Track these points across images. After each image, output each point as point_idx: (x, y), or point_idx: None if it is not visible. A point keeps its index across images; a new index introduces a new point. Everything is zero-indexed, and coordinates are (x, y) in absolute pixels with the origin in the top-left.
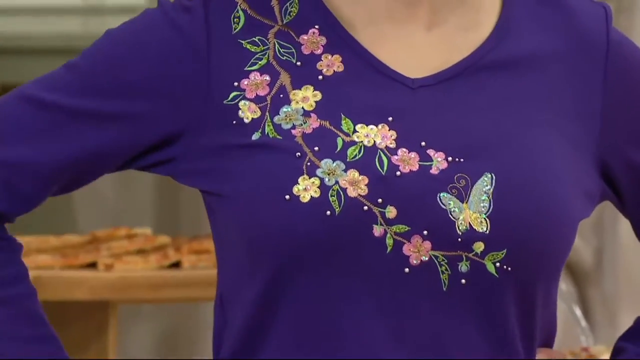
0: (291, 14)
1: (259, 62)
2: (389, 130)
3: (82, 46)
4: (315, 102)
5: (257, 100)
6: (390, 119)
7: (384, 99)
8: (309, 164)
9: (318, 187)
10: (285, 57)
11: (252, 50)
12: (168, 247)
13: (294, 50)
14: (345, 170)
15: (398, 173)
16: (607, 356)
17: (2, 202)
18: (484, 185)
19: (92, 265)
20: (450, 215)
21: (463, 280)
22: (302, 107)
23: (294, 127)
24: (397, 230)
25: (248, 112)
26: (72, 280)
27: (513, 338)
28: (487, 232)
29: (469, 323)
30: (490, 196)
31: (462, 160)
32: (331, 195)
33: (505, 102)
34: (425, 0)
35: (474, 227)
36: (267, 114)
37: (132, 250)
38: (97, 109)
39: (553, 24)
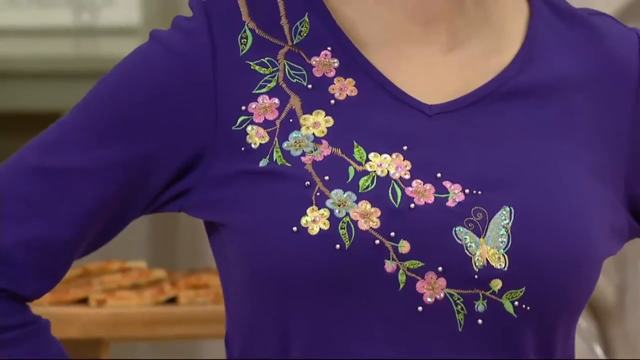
0: (302, 33)
1: (268, 85)
2: (404, 160)
3: (74, 69)
4: (327, 128)
5: (266, 124)
6: (405, 148)
7: (398, 126)
8: (318, 194)
9: (327, 219)
10: (295, 80)
11: (261, 72)
12: (164, 281)
13: (304, 72)
14: (356, 202)
15: (412, 205)
16: None
17: (28, 284)
18: (502, 219)
19: (84, 301)
20: (466, 251)
21: (480, 321)
22: (313, 133)
23: (303, 154)
24: (411, 266)
25: (256, 137)
26: (62, 316)
27: None
28: (506, 268)
29: None
30: (509, 231)
31: (479, 192)
32: (341, 228)
33: (526, 132)
34: (445, 20)
35: (491, 263)
36: (276, 139)
37: (125, 285)
38: (104, 161)
39: (581, 48)
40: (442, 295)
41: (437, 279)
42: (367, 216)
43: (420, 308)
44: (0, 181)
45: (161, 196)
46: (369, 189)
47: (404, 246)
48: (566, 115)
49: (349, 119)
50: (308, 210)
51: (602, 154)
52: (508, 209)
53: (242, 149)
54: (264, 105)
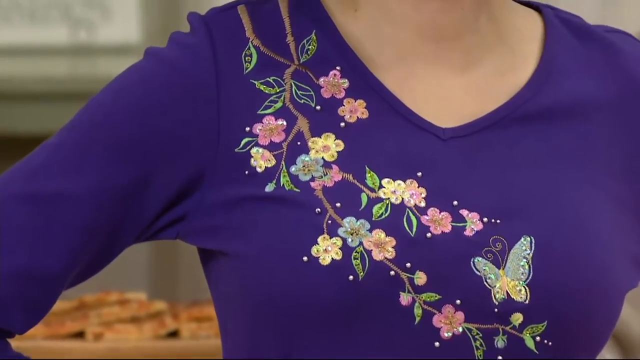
0: (309, 52)
1: (274, 105)
2: (418, 186)
3: (70, 90)
4: (337, 152)
5: (272, 147)
6: (419, 174)
7: (412, 150)
8: (329, 221)
9: (340, 249)
10: (303, 101)
11: (267, 91)
12: (165, 314)
13: (312, 93)
14: (370, 230)
15: (428, 235)
16: None
17: (13, 318)
18: (523, 249)
19: (80, 335)
20: (485, 283)
21: (499, 357)
22: (322, 157)
23: (313, 179)
24: (427, 299)
25: (261, 160)
26: (57, 351)
27: None
28: (527, 302)
29: None
30: (530, 262)
31: (498, 221)
32: (354, 258)
33: (545, 156)
34: (458, 37)
35: (511, 296)
36: (283, 162)
37: (124, 318)
38: (95, 186)
39: (601, 69)
40: (460, 330)
41: (454, 312)
42: (381, 246)
43: (437, 344)
44: None
45: (156, 222)
46: (383, 217)
47: (420, 278)
48: (585, 139)
49: (360, 143)
50: (319, 239)
51: (623, 180)
52: (528, 238)
53: (246, 172)
54: (270, 127)
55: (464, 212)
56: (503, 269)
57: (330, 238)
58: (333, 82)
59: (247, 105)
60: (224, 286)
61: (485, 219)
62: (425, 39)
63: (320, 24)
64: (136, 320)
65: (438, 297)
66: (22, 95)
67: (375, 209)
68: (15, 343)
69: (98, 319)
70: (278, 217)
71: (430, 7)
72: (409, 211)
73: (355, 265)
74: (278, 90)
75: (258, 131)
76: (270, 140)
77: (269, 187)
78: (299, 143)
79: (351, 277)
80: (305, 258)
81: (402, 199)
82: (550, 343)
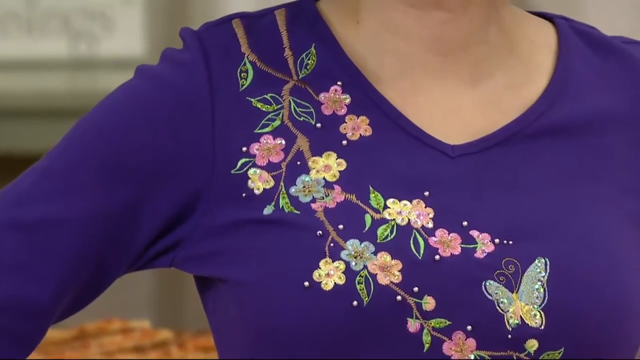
0: (308, 67)
1: (272, 124)
2: (426, 206)
3: (69, 107)
4: (339, 171)
5: (270, 167)
6: (426, 193)
7: (418, 169)
8: (332, 244)
9: (343, 273)
10: (302, 118)
11: (264, 109)
12: (170, 343)
13: (312, 109)
14: (375, 253)
15: (437, 257)
16: None
17: (2, 353)
18: (537, 271)
19: None
20: (498, 308)
21: None
22: (324, 178)
23: (314, 200)
24: (436, 325)
25: (259, 181)
26: None
27: None
28: (542, 327)
29: None
30: (545, 285)
31: (510, 242)
32: (359, 283)
33: (558, 174)
34: (467, 51)
35: (526, 321)
36: (282, 184)
37: (127, 347)
38: (85, 212)
39: (617, 81)
40: (471, 357)
41: (465, 339)
42: (387, 269)
43: None
44: None
45: (150, 249)
46: (389, 239)
47: (429, 303)
48: (602, 156)
49: (363, 162)
50: (321, 263)
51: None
52: (543, 260)
53: (243, 195)
54: (268, 147)
55: (474, 233)
56: (516, 292)
57: (333, 262)
58: (334, 98)
59: (244, 124)
60: (222, 314)
61: (496, 240)
62: (431, 52)
63: (320, 37)
64: (140, 350)
65: (448, 323)
66: (18, 112)
67: (380, 230)
68: None
69: (99, 349)
70: (277, 240)
71: (436, 19)
72: (416, 232)
73: (360, 290)
74: (276, 108)
75: (255, 151)
76: (269, 160)
77: (268, 210)
78: (298, 163)
79: (355, 303)
80: (306, 283)
81: (409, 219)
82: None
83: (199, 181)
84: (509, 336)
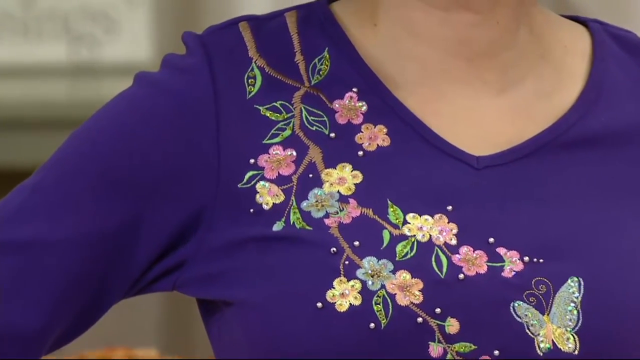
0: (321, 72)
1: (282, 134)
2: (449, 222)
3: (68, 117)
4: (355, 184)
5: (280, 181)
6: (449, 207)
7: (441, 181)
8: (347, 262)
9: (359, 293)
10: (315, 127)
11: (273, 118)
12: None
13: (325, 118)
14: (393, 272)
15: (461, 276)
16: None
17: None
18: (570, 292)
19: None
20: (527, 331)
21: None
22: (338, 191)
23: (327, 215)
24: (460, 350)
25: (268, 196)
26: None
27: None
28: (576, 352)
29: None
30: (579, 306)
31: (541, 260)
32: (376, 303)
33: (593, 187)
34: (494, 56)
35: (558, 345)
36: (293, 198)
37: None
38: (80, 231)
39: None
40: None
41: None
42: (406, 289)
43: None
44: None
45: (149, 272)
46: (408, 256)
47: (452, 325)
48: (637, 166)
49: (380, 174)
50: (335, 283)
51: None
52: (576, 280)
53: (251, 210)
54: (278, 158)
55: (502, 251)
56: (548, 314)
57: (348, 281)
58: (349, 106)
59: (251, 134)
60: (228, 339)
61: (526, 258)
62: (455, 56)
63: (334, 41)
64: None
65: (473, 347)
66: (12, 123)
67: (399, 247)
68: None
69: None
70: (288, 259)
71: (461, 21)
72: (438, 250)
73: (377, 311)
74: (286, 117)
75: (264, 163)
76: (278, 173)
77: (278, 226)
78: (310, 175)
79: (372, 325)
80: (319, 304)
81: (430, 236)
82: None
83: (203, 196)
84: None
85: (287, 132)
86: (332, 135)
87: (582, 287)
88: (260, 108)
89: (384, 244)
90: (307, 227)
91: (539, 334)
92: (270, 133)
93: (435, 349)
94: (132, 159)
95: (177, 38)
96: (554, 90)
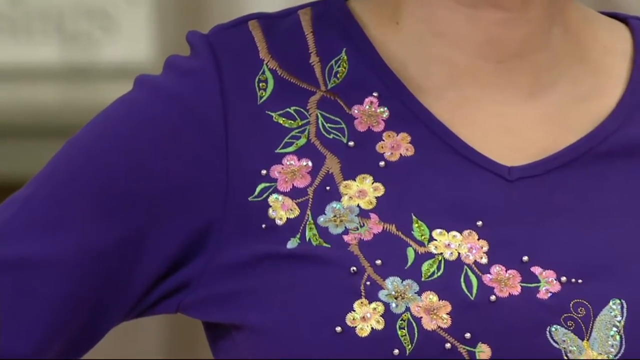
0: (338, 75)
1: (296, 142)
2: (479, 239)
3: (62, 124)
4: (376, 198)
5: (294, 194)
6: (479, 223)
7: (470, 195)
8: (368, 283)
9: (381, 316)
10: (332, 135)
11: (286, 125)
12: None
13: (344, 125)
14: (419, 293)
15: (492, 298)
16: None
17: None
18: (612, 315)
19: None
20: (565, 357)
21: None
22: (358, 205)
23: (346, 231)
24: None
25: (281, 210)
26: None
27: None
28: None
29: None
30: (621, 331)
31: (579, 281)
32: (400, 328)
33: (636, 200)
34: (526, 57)
35: None
36: (309, 212)
37: None
38: (75, 249)
39: None
40: None
41: None
42: (433, 312)
43: None
44: None
45: (151, 293)
46: (435, 276)
47: (484, 351)
48: None
49: (404, 186)
50: (355, 305)
51: None
52: (618, 302)
53: (263, 226)
54: (292, 169)
55: (537, 270)
56: (587, 340)
57: (370, 303)
58: (369, 112)
59: (263, 142)
60: None
61: (563, 279)
62: (484, 58)
63: (352, 41)
64: None
65: None
66: (1, 130)
67: (424, 266)
68: None
69: None
70: (304, 279)
71: (489, 19)
72: (468, 269)
73: (402, 336)
74: (301, 124)
75: (277, 174)
76: (293, 185)
77: (292, 243)
78: (328, 188)
79: (396, 352)
80: (338, 329)
81: (459, 254)
82: None
83: (210, 211)
84: None
85: (302, 141)
86: (351, 143)
87: (625, 310)
88: (273, 114)
89: (409, 263)
90: (325, 245)
91: None
92: (284, 142)
93: None
94: (132, 171)
95: (181, 37)
96: (591, 95)
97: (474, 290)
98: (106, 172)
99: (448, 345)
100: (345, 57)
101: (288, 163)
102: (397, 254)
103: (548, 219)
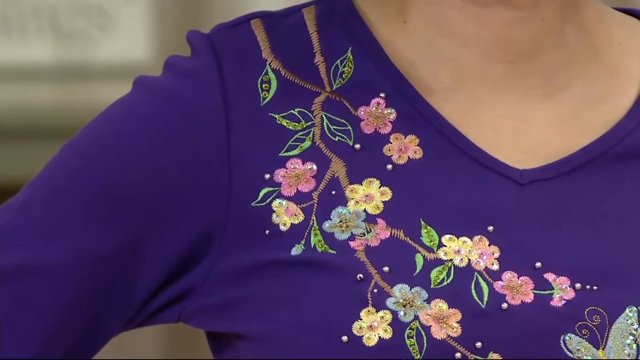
0: (344, 75)
1: (301, 145)
2: (490, 244)
3: (57, 126)
4: (383, 202)
5: (299, 198)
6: (490, 228)
7: (480, 199)
8: (375, 290)
9: (389, 325)
10: (337, 138)
11: (290, 127)
12: None
13: (349, 127)
14: (428, 301)
15: (504, 306)
16: None
17: None
18: (629, 323)
19: None
20: None
21: None
22: (365, 210)
23: (352, 237)
24: None
25: (285, 215)
26: None
27: None
28: None
29: None
30: (638, 340)
31: (594, 288)
32: (409, 337)
33: None
34: (538, 57)
35: None
36: (314, 218)
37: None
38: (73, 255)
39: None
40: None
41: None
42: (443, 320)
43: None
44: None
45: (151, 302)
46: (445, 283)
47: None
48: None
49: (412, 191)
50: (362, 313)
51: None
52: (635, 309)
53: (267, 231)
54: (296, 173)
55: (550, 277)
56: (603, 349)
57: (377, 311)
58: (376, 113)
59: (266, 145)
60: None
61: (577, 285)
62: (494, 58)
63: (358, 40)
64: None
65: None
66: None
67: (434, 273)
68: None
69: None
70: (309, 287)
71: (499, 18)
72: (478, 276)
73: (410, 345)
74: (305, 126)
75: (281, 179)
76: (297, 189)
77: (297, 250)
78: (333, 192)
79: None
80: (344, 338)
81: (469, 260)
82: None
83: (211, 216)
84: None
85: (307, 144)
86: (357, 146)
87: None
88: (276, 116)
89: (417, 270)
90: (330, 251)
91: None
92: (288, 144)
93: None
94: (131, 175)
95: (180, 36)
96: (606, 95)
97: (485, 298)
98: (104, 176)
99: (458, 355)
100: (351, 57)
101: (292, 167)
102: (405, 261)
103: (561, 224)
